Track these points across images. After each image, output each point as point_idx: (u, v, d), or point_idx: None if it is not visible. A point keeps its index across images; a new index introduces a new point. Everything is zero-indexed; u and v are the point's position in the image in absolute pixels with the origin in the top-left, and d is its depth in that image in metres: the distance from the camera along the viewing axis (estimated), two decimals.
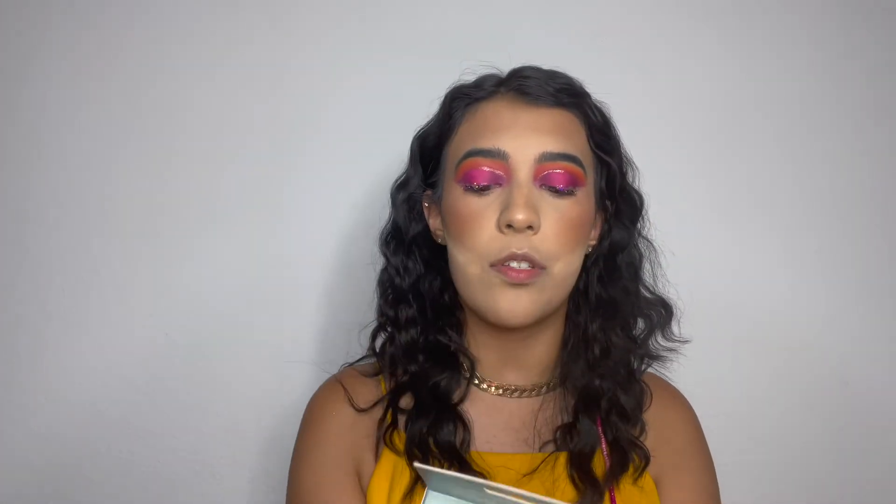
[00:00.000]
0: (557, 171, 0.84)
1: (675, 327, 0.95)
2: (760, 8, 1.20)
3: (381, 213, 0.98)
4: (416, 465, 0.61)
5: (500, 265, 0.83)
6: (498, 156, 0.84)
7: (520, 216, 0.81)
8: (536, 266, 0.83)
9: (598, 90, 0.91)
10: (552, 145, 0.84)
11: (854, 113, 1.21)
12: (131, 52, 1.14)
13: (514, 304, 0.83)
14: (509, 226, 0.82)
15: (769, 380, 1.20)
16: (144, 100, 1.14)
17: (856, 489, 1.20)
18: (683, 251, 1.03)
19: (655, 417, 0.92)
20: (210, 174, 1.15)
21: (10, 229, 1.14)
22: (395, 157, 0.98)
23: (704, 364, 1.13)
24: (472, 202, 0.84)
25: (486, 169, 0.84)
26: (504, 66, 0.91)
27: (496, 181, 0.84)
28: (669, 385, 0.98)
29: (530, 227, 0.82)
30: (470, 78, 0.91)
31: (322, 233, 1.16)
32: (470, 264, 0.85)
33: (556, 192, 0.84)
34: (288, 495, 0.90)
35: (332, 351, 1.13)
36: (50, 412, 1.13)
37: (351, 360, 0.97)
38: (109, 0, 1.14)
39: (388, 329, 0.93)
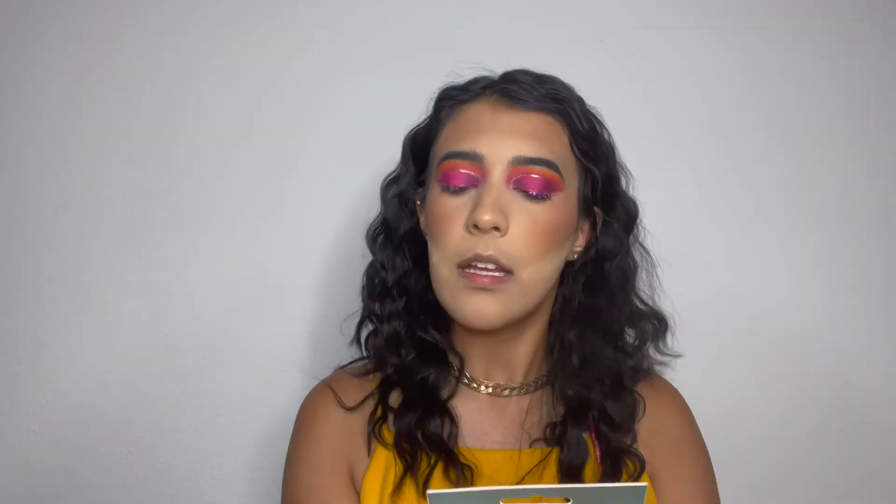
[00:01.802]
0: (532, 175, 0.83)
1: (669, 339, 0.94)
2: (761, 7, 1.20)
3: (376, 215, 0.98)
4: (429, 491, 0.61)
5: (465, 268, 0.83)
6: (474, 158, 0.84)
7: (486, 217, 0.81)
8: (502, 269, 0.82)
9: (594, 94, 0.90)
10: (527, 149, 0.84)
11: (854, 112, 1.20)
12: (129, 52, 1.14)
13: (479, 309, 0.83)
14: (476, 226, 0.82)
15: (770, 378, 1.19)
16: (143, 100, 1.14)
17: (856, 487, 1.20)
18: (684, 250, 1.02)
19: (646, 410, 0.92)
20: (210, 175, 1.15)
21: (10, 229, 1.14)
22: (391, 158, 0.98)
23: (705, 363, 1.13)
24: (447, 202, 0.85)
25: (462, 171, 0.84)
26: (503, 69, 0.91)
27: (472, 183, 0.84)
28: (659, 377, 0.97)
29: (497, 229, 0.82)
30: (465, 77, 0.91)
31: (319, 236, 1.16)
32: (440, 265, 0.85)
33: (530, 196, 0.83)
34: (282, 499, 0.90)
35: (329, 354, 1.12)
36: (50, 412, 1.14)
37: (344, 363, 0.97)
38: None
39: (373, 321, 0.93)
